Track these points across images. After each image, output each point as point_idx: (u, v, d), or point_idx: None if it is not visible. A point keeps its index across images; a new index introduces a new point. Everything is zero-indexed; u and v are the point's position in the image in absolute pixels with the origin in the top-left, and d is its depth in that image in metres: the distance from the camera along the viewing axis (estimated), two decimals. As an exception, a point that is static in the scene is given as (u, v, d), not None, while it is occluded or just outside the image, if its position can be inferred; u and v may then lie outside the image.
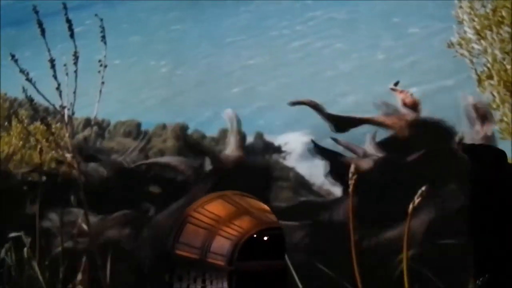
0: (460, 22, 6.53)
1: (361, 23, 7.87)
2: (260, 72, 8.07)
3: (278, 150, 8.77)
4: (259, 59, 8.31)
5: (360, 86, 7.62)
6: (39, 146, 8.01)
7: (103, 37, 6.53)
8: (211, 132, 8.93)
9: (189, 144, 8.75)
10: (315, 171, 7.77)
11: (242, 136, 8.13)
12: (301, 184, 8.13)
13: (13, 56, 6.33)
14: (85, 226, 7.53)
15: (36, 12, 6.20)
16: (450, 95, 6.77)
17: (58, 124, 7.96)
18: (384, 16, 7.73)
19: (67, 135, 7.10)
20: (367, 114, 7.29)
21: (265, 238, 10.12)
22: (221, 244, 9.74)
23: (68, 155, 7.49)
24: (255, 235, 10.12)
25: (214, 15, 8.45)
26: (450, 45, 6.53)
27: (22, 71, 6.36)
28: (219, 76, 8.40)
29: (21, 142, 8.69)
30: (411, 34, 7.50)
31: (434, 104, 6.86)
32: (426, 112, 6.89)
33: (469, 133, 5.89)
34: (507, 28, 6.08)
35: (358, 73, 7.80)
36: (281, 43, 8.17)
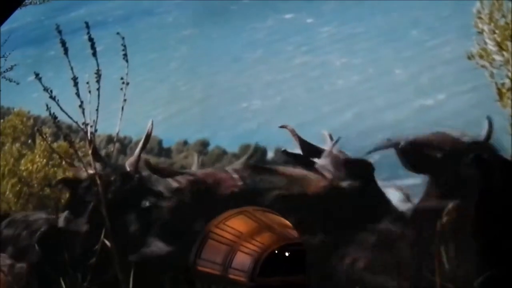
0: (480, 33, 6.46)
1: (371, 37, 7.88)
2: (277, 86, 8.11)
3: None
4: (276, 74, 8.36)
5: (366, 99, 7.59)
6: (63, 163, 8.09)
7: (125, 55, 6.62)
8: (231, 148, 8.96)
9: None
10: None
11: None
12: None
13: (37, 75, 6.44)
14: (107, 243, 7.57)
15: (59, 32, 6.31)
16: (465, 104, 6.69)
17: (82, 142, 8.05)
18: (396, 28, 7.73)
19: (90, 152, 7.18)
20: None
21: (286, 253, 10.05)
22: (242, 260, 9.71)
23: (91, 172, 7.57)
24: (276, 251, 10.07)
25: (228, 32, 8.53)
26: (471, 56, 6.45)
27: (46, 89, 6.46)
28: (233, 91, 8.46)
29: (44, 160, 8.77)
30: (425, 46, 7.47)
31: (448, 114, 6.80)
32: (439, 122, 6.81)
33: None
34: (528, 40, 6.01)
35: (364, 87, 7.80)
36: (297, 56, 8.21)
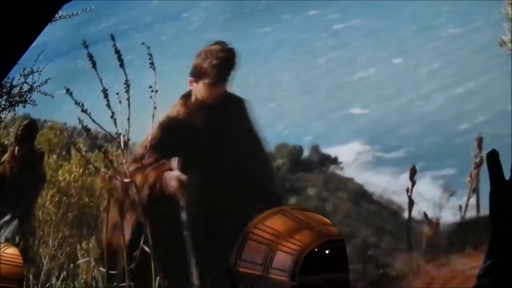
0: (510, 19, 6.29)
1: (389, 31, 7.71)
2: (301, 85, 8.05)
3: (334, 161, 8.67)
4: (298, 72, 8.29)
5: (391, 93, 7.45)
6: (101, 172, 8.24)
7: (152, 63, 6.71)
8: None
9: None
10: (374, 181, 7.62)
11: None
12: (360, 194, 8.00)
13: (67, 90, 6.58)
14: (146, 248, 7.67)
15: (86, 46, 6.43)
16: (488, 96, 6.49)
17: (118, 151, 8.17)
18: (412, 19, 7.54)
19: (124, 160, 7.29)
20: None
21: (327, 251, 10.00)
22: (283, 259, 9.68)
23: (126, 180, 7.69)
24: (316, 249, 10.01)
25: (255, 33, 8.49)
26: (502, 43, 6.29)
27: (77, 103, 6.60)
28: (263, 92, 8.43)
29: (81, 169, 8.94)
30: (442, 36, 7.27)
31: (468, 107, 6.60)
32: (462, 115, 6.61)
33: None
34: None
35: (390, 81, 7.63)
36: (324, 52, 8.11)
